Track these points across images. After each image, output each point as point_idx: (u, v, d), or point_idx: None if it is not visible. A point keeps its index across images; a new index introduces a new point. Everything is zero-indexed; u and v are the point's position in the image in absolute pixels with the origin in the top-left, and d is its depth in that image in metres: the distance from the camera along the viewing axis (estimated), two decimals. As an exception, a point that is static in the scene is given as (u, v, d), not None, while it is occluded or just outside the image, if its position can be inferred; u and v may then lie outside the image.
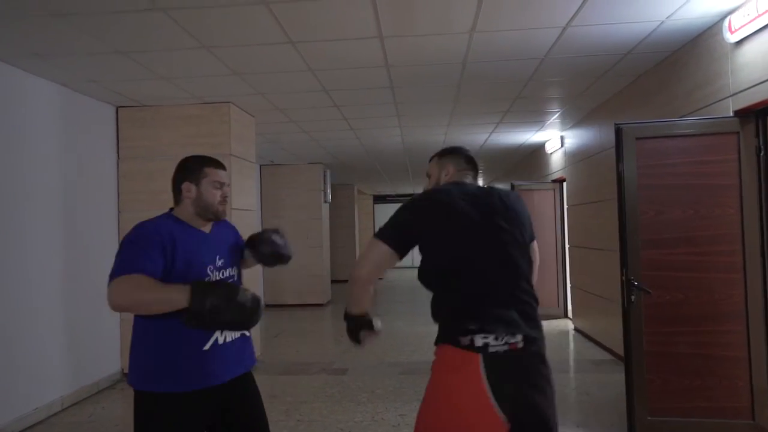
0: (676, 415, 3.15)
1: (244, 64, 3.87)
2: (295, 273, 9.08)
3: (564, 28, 3.37)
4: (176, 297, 1.62)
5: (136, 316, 1.83)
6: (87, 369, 4.43)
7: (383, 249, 1.71)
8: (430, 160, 2.16)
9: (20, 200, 3.79)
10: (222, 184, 1.93)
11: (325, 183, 9.57)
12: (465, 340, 1.61)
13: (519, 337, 1.62)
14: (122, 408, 4.17)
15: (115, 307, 1.68)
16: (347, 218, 13.09)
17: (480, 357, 1.58)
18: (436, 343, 1.75)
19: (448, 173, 2.01)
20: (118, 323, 4.87)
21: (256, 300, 1.68)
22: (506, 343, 1.60)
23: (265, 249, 2.04)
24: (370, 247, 1.74)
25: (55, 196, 4.14)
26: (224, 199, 1.94)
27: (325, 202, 9.66)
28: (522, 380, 1.61)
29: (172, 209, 1.94)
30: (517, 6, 3.03)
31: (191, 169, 1.91)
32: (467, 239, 1.72)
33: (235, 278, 2.01)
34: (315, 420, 3.72)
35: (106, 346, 4.73)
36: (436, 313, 1.77)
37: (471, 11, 3.07)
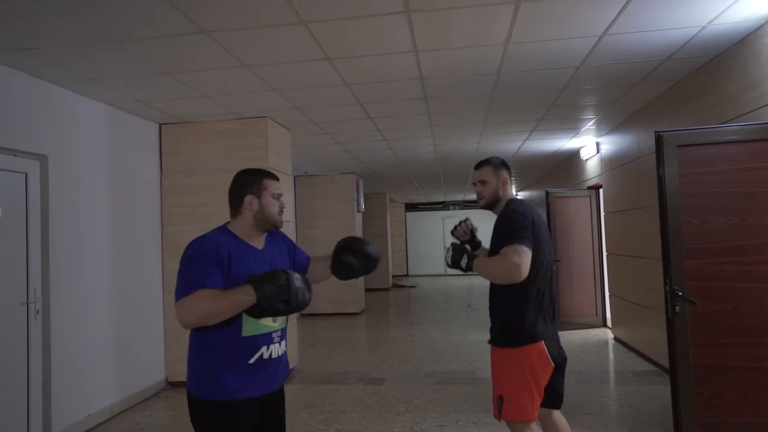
0: (727, 431, 3.05)
1: (282, 80, 3.98)
2: (329, 282, 9.08)
3: (600, 37, 3.35)
4: (242, 298, 1.75)
5: (192, 331, 1.90)
6: (134, 378, 4.59)
7: (527, 250, 2.25)
8: (480, 167, 2.55)
9: (71, 215, 3.98)
10: (279, 195, 2.03)
11: (357, 193, 9.66)
12: (530, 337, 2.33)
13: (557, 340, 2.46)
14: (168, 416, 4.30)
15: (187, 324, 1.77)
16: (379, 227, 13.16)
17: (543, 342, 2.34)
18: (500, 344, 2.41)
19: (506, 182, 2.52)
20: (162, 333, 5.04)
21: (306, 281, 1.86)
22: (554, 341, 2.42)
23: (357, 246, 2.15)
24: (520, 252, 2.22)
25: (102, 211, 4.33)
26: (281, 210, 2.04)
27: (359, 211, 9.74)
28: (557, 355, 2.42)
29: (227, 224, 2.00)
30: (552, 17, 3.03)
31: (251, 182, 1.97)
32: (543, 255, 2.35)
33: None
34: (354, 430, 3.75)
35: (152, 356, 4.90)
36: (509, 317, 2.37)
37: (506, 23, 3.09)
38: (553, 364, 2.37)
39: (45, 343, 3.67)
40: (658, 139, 3.20)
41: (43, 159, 3.73)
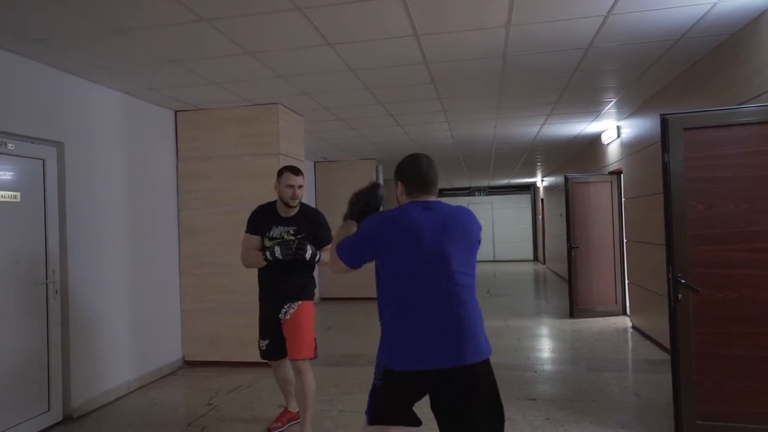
0: (729, 421, 2.98)
1: (286, 66, 4.02)
2: (348, 267, 9.27)
3: (605, 17, 3.25)
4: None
5: (474, 296, 2.00)
6: (151, 356, 4.78)
7: None
8: (300, 173, 3.32)
9: (88, 199, 4.14)
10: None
11: (377, 178, 9.68)
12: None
13: None
14: (182, 393, 4.48)
15: None
16: (402, 213, 13.14)
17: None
18: (304, 299, 3.27)
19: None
20: (179, 314, 5.22)
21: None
22: None
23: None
24: None
25: (119, 195, 4.49)
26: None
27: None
28: None
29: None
30: (552, -3, 2.96)
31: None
32: None
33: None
34: (356, 411, 3.82)
35: (169, 336, 5.09)
36: (309, 283, 3.33)
37: (504, 5, 3.03)
38: None
39: (63, 322, 3.87)
40: (664, 122, 3.11)
41: (59, 146, 3.89)
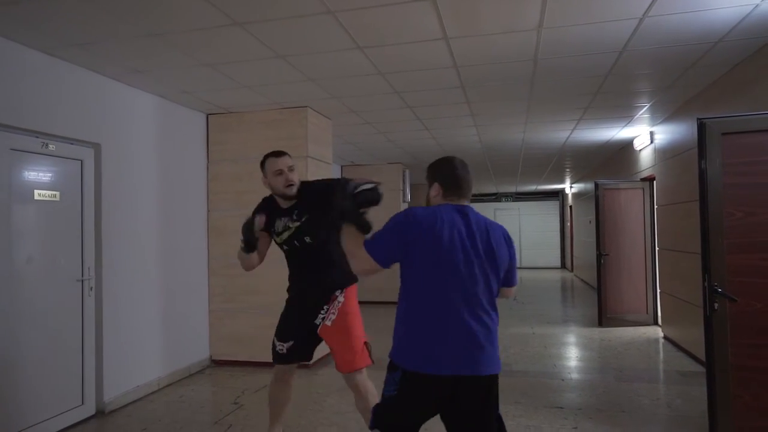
0: (768, 436, 2.87)
1: (316, 70, 4.06)
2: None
3: (640, 19, 3.19)
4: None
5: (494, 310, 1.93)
6: (180, 354, 4.87)
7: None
8: (283, 155, 2.81)
9: (122, 200, 4.26)
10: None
11: (404, 183, 9.68)
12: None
13: None
14: (209, 391, 4.54)
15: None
16: (427, 217, 13.10)
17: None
18: (348, 283, 2.84)
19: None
20: (207, 313, 5.30)
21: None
22: None
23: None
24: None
25: (152, 196, 4.60)
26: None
27: (404, 201, 9.78)
28: None
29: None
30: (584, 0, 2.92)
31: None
32: None
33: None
34: (381, 414, 3.81)
35: (197, 334, 5.18)
36: (346, 269, 2.49)
37: (536, 8, 3.00)
38: None
39: (97, 318, 3.97)
40: (701, 127, 3.03)
41: (96, 147, 4.01)
